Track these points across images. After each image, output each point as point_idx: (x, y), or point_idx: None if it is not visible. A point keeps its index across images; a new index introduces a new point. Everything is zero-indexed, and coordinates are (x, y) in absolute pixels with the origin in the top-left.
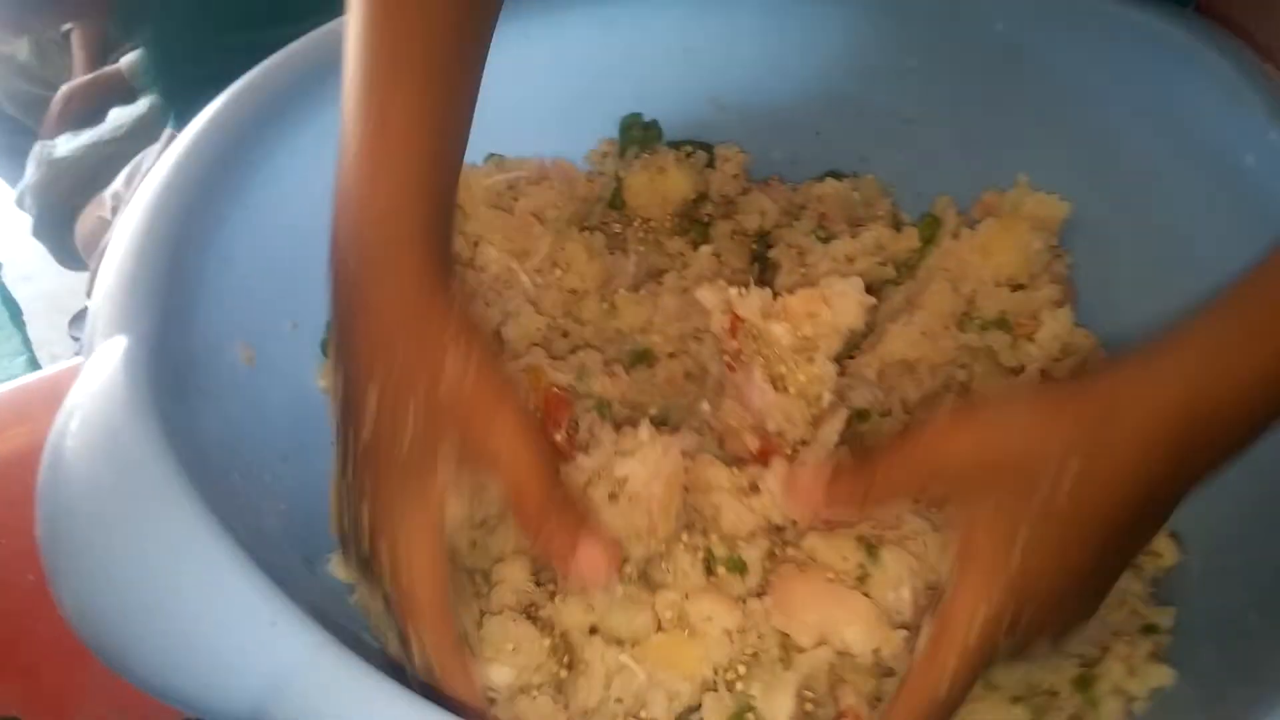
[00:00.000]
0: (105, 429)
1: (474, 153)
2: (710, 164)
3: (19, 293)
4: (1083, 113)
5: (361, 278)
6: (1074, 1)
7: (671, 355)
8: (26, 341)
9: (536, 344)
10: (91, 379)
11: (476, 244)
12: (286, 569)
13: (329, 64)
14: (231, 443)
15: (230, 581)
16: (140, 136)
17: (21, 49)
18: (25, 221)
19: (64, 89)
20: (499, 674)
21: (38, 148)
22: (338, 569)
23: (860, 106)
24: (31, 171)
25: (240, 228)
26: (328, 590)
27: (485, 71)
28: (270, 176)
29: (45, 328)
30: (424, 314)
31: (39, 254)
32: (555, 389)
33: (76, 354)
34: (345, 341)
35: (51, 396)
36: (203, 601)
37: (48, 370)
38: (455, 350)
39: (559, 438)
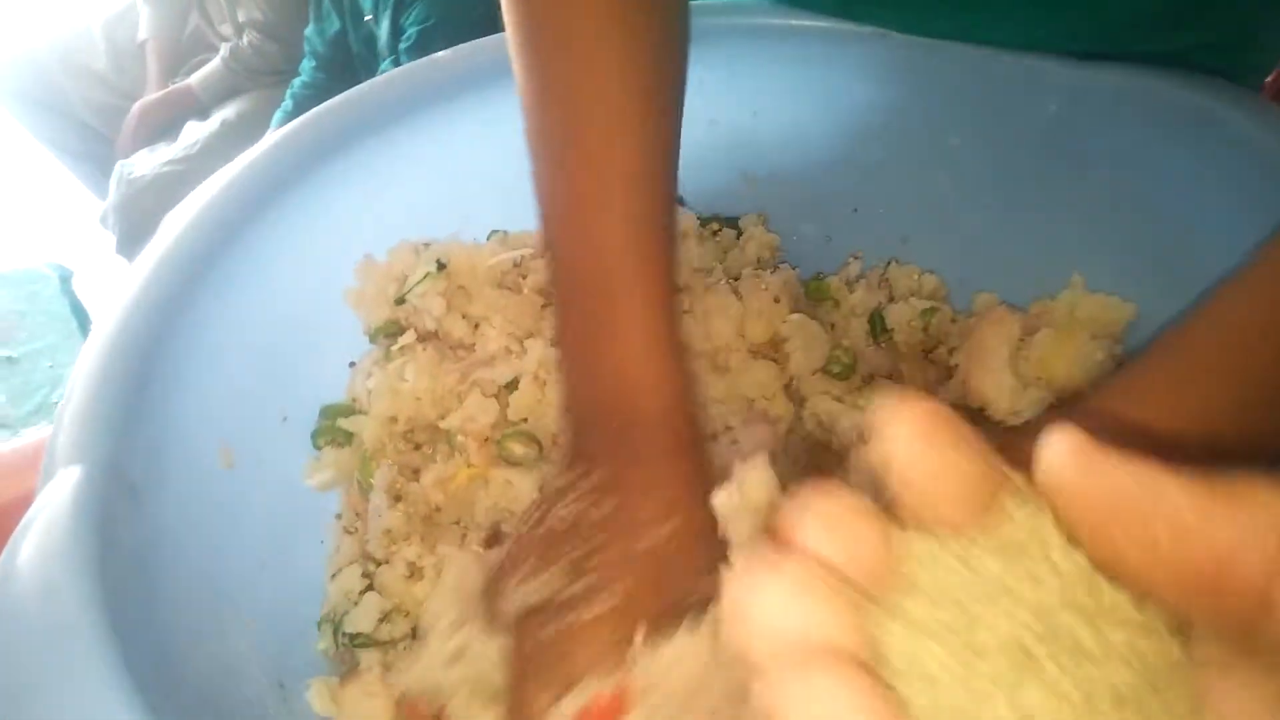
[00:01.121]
0: (41, 580)
1: (477, 230)
2: (738, 238)
3: (89, 299)
4: (1146, 202)
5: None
6: (1137, 86)
7: None
8: None
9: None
10: (40, 513)
11: (477, 326)
12: (252, 704)
13: (330, 143)
14: (198, 558)
15: None
16: (214, 152)
17: (99, 59)
18: (109, 240)
19: (137, 106)
20: None
21: (118, 169)
22: (316, 699)
23: (900, 184)
24: (113, 192)
25: (228, 322)
26: None
27: (490, 145)
28: (262, 265)
29: None
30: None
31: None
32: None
33: None
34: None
35: None
36: None
37: None
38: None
39: None
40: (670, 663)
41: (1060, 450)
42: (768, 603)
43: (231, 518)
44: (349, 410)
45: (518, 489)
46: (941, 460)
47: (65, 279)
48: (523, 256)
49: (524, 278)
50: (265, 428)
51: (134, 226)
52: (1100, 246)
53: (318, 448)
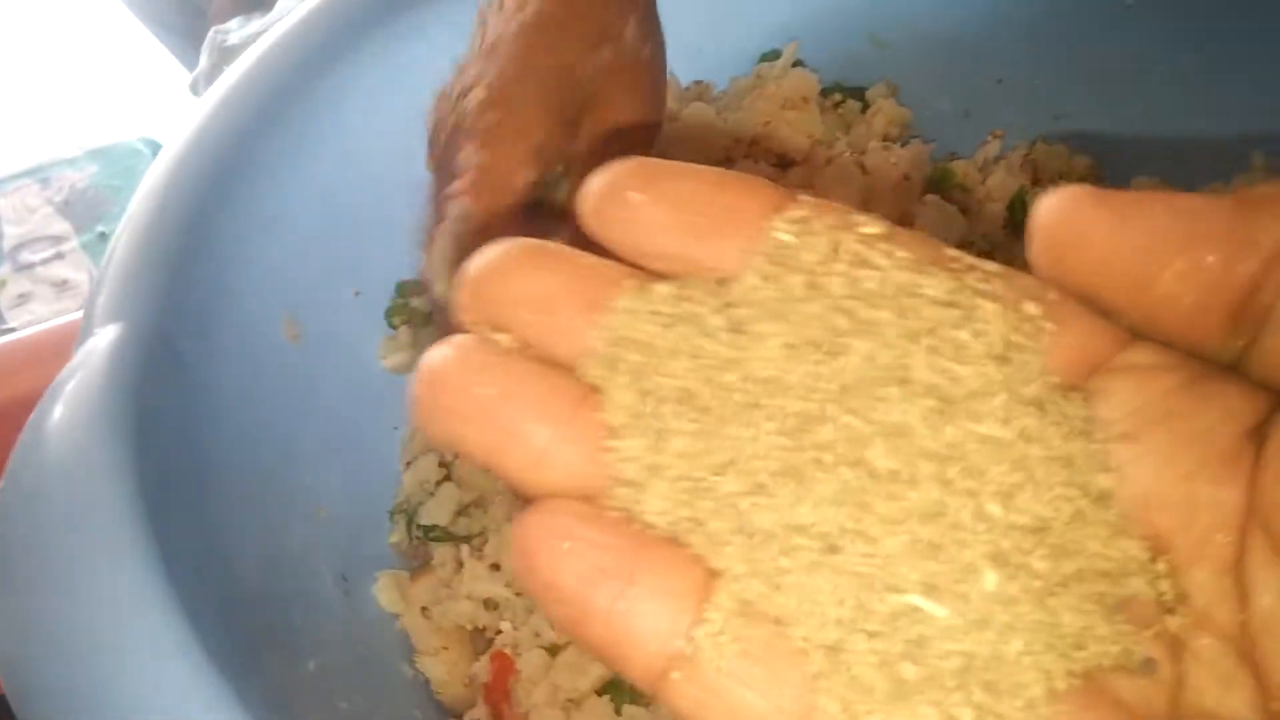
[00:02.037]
0: (68, 447)
1: None
2: (864, 111)
3: None
4: None
5: None
6: None
7: None
8: None
9: None
10: (73, 375)
11: None
12: (305, 598)
13: None
14: (260, 440)
15: (168, 676)
16: None
17: None
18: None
19: None
20: None
21: (211, 34)
22: (383, 594)
23: (1056, 50)
24: (205, 59)
25: (294, 182)
26: (366, 619)
27: None
28: (336, 119)
29: None
30: None
31: None
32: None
33: None
34: None
35: None
36: (134, 695)
37: None
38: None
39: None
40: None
41: (1064, 196)
42: (460, 397)
43: (297, 397)
44: (425, 287)
45: None
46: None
47: (159, 153)
48: None
49: None
50: (336, 301)
51: None
52: None
53: (392, 326)
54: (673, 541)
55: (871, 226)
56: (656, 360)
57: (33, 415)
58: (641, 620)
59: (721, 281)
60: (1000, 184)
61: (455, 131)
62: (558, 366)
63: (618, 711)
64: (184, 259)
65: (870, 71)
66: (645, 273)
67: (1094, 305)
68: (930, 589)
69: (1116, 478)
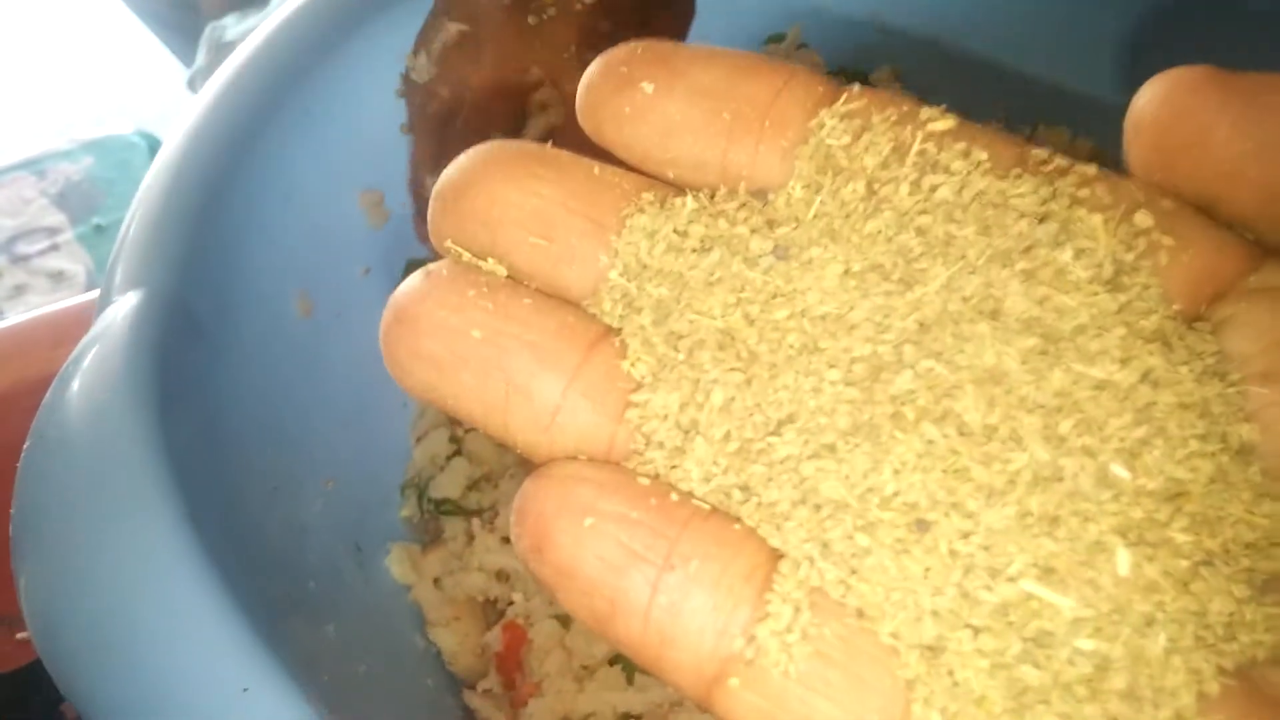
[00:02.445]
0: (93, 410)
1: None
2: None
3: None
4: None
5: None
6: None
7: None
8: None
9: None
10: (97, 341)
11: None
12: (321, 566)
13: None
14: (272, 410)
15: (201, 630)
16: None
17: None
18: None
19: None
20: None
21: (209, 31)
22: (395, 565)
23: (1056, 33)
24: (202, 56)
25: (308, 153)
26: (379, 589)
27: None
28: (346, 95)
29: None
30: None
31: None
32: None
33: None
34: None
35: None
36: (168, 649)
37: None
38: None
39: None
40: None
41: (1177, 80)
42: (433, 333)
43: (310, 372)
44: None
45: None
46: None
47: (154, 147)
48: None
49: None
50: (346, 278)
51: None
52: None
53: None
54: (720, 515)
55: (941, 121)
56: (687, 294)
57: (56, 379)
58: (687, 616)
59: (759, 193)
60: None
61: None
62: (561, 300)
63: (630, 680)
64: (200, 229)
65: (874, 57)
66: (662, 184)
67: (1216, 215)
68: (1048, 573)
69: (1259, 427)
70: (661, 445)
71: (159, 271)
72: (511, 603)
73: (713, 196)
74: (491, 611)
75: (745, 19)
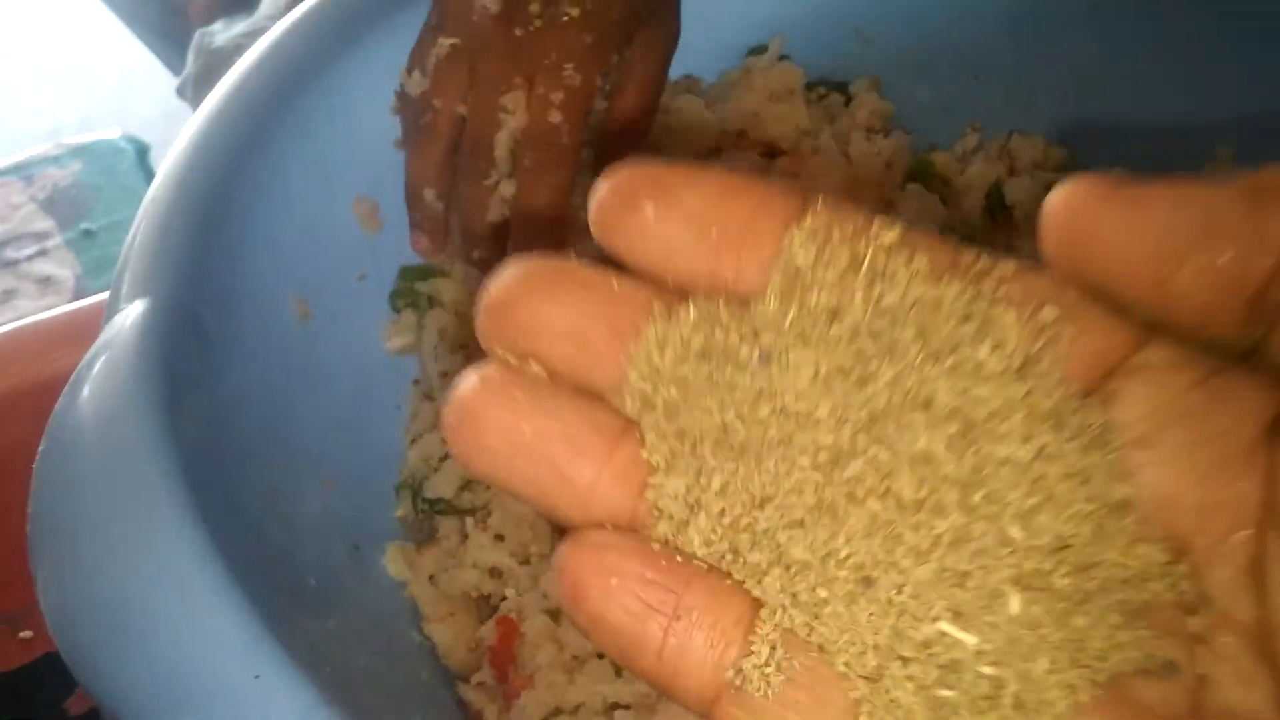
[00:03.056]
0: (105, 412)
1: None
2: (847, 105)
3: None
4: None
5: None
6: None
7: None
8: None
9: None
10: (106, 348)
11: None
12: (320, 562)
13: None
14: (272, 411)
15: (213, 620)
16: None
17: None
18: (185, 114)
19: None
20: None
21: (197, 37)
22: (391, 563)
23: (1031, 44)
24: (191, 62)
25: (305, 161)
26: (376, 586)
27: None
28: (342, 106)
29: None
30: None
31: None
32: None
33: None
34: None
35: None
36: (181, 639)
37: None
38: None
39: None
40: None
41: (1074, 189)
42: (495, 433)
43: (307, 374)
44: (428, 272)
45: None
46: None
47: (142, 152)
48: None
49: None
50: (341, 284)
51: None
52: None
53: (396, 310)
54: (715, 572)
55: (889, 234)
56: (692, 397)
57: (69, 385)
58: (691, 654)
59: (743, 302)
60: (978, 174)
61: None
62: (592, 397)
63: (618, 673)
64: (204, 238)
65: (854, 67)
66: (665, 291)
67: (1111, 301)
68: (958, 615)
69: (1134, 485)
70: (671, 518)
71: (165, 280)
72: (504, 598)
73: (709, 306)
74: (485, 607)
75: (728, 32)
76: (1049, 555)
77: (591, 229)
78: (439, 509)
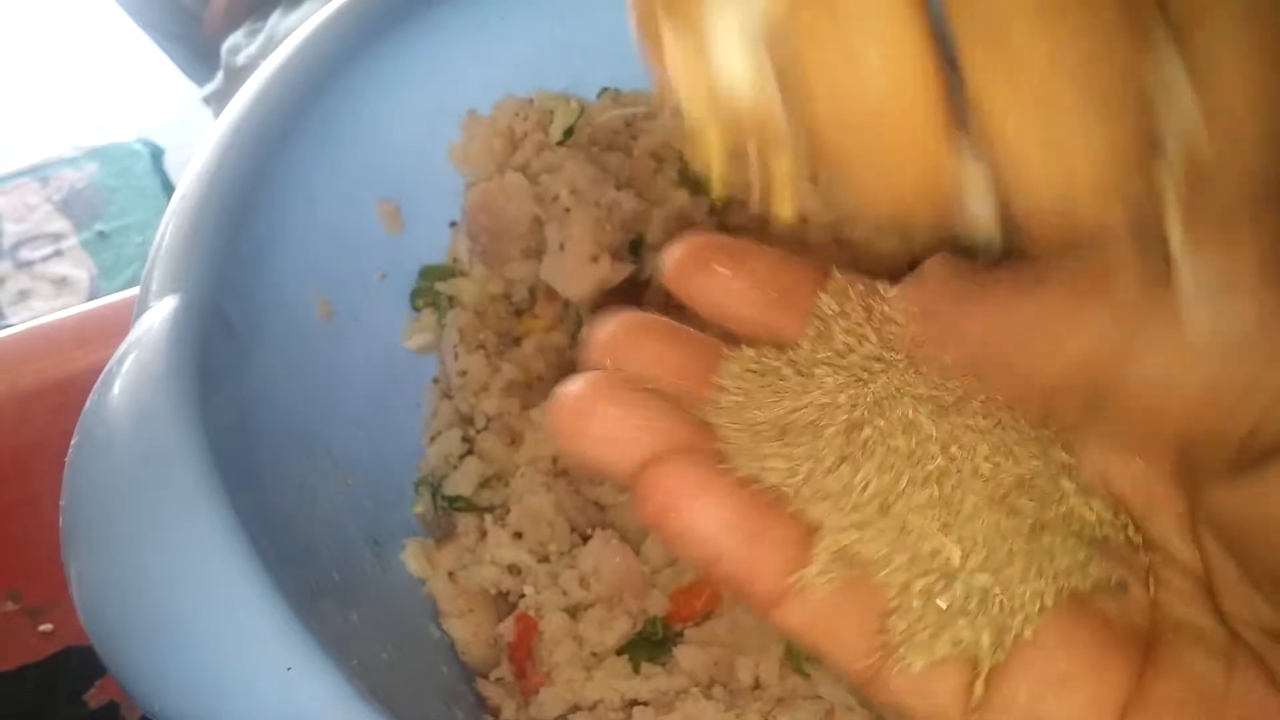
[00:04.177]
0: (137, 406)
1: (587, 88)
2: None
3: (179, 177)
4: None
5: None
6: None
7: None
8: None
9: None
10: (136, 345)
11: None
12: (343, 557)
13: None
14: (295, 409)
15: (246, 612)
16: None
17: None
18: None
19: None
20: None
21: (224, 55)
22: (411, 559)
23: None
24: (219, 79)
25: (329, 162)
26: (396, 582)
27: None
28: (366, 107)
29: None
30: None
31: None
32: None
33: None
34: None
35: None
36: (215, 631)
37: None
38: None
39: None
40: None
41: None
42: (602, 421)
43: (329, 373)
44: (449, 273)
45: None
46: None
47: (157, 155)
48: (635, 115)
49: (635, 139)
50: (363, 283)
51: None
52: None
53: (416, 309)
54: (782, 499)
55: (890, 291)
56: (753, 402)
57: (100, 381)
58: (763, 564)
59: (782, 347)
60: None
61: None
62: (675, 401)
63: (636, 669)
64: (231, 236)
65: None
66: (724, 336)
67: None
68: (947, 528)
69: (1075, 456)
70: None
71: (194, 277)
72: (523, 595)
73: (759, 350)
74: (503, 604)
75: None
76: (1014, 487)
77: (666, 282)
78: (458, 506)
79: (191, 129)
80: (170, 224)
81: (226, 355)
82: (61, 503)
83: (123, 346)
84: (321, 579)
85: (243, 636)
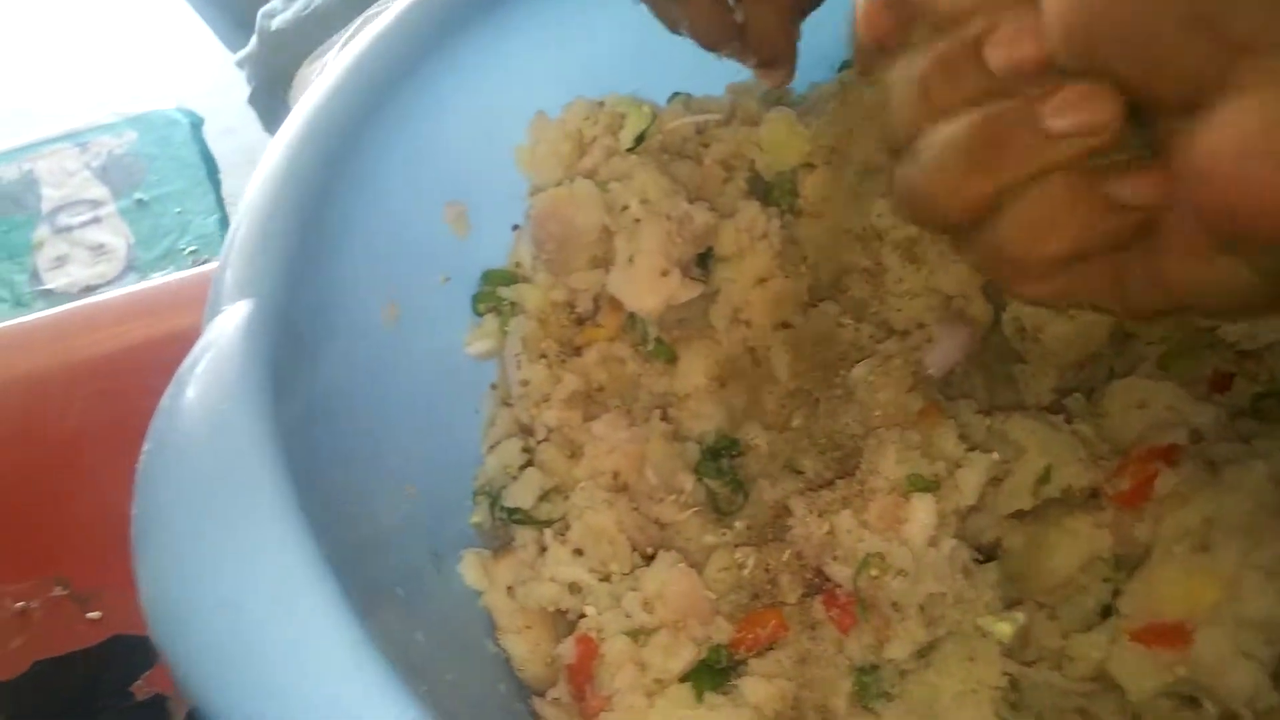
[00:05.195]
0: (212, 416)
1: (657, 92)
2: None
3: (219, 145)
4: None
5: None
6: None
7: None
8: (220, 201)
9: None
10: (210, 348)
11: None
12: (406, 572)
13: None
14: (359, 417)
15: (324, 640)
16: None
17: None
18: (238, 81)
19: None
20: None
21: (260, 18)
22: (469, 571)
23: None
24: (254, 43)
25: (400, 162)
26: (455, 595)
27: None
28: (435, 110)
29: (240, 181)
30: None
31: (243, 109)
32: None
33: None
34: None
35: None
36: (291, 657)
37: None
38: None
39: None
40: None
41: None
42: None
43: (392, 377)
44: (511, 278)
45: (686, 372)
46: None
47: (196, 125)
48: (707, 123)
49: (706, 146)
50: (427, 286)
51: (268, 81)
52: None
53: (478, 313)
54: None
55: None
56: None
57: (171, 384)
58: None
59: None
60: None
61: None
62: None
63: (699, 697)
64: (302, 239)
65: None
66: None
67: None
68: None
69: None
70: None
71: (267, 281)
72: (583, 615)
73: None
74: (561, 622)
75: (819, 44)
76: None
77: None
78: (517, 518)
79: (225, 95)
80: (242, 225)
81: (298, 362)
82: (133, 510)
83: (194, 351)
84: (388, 596)
85: (320, 664)
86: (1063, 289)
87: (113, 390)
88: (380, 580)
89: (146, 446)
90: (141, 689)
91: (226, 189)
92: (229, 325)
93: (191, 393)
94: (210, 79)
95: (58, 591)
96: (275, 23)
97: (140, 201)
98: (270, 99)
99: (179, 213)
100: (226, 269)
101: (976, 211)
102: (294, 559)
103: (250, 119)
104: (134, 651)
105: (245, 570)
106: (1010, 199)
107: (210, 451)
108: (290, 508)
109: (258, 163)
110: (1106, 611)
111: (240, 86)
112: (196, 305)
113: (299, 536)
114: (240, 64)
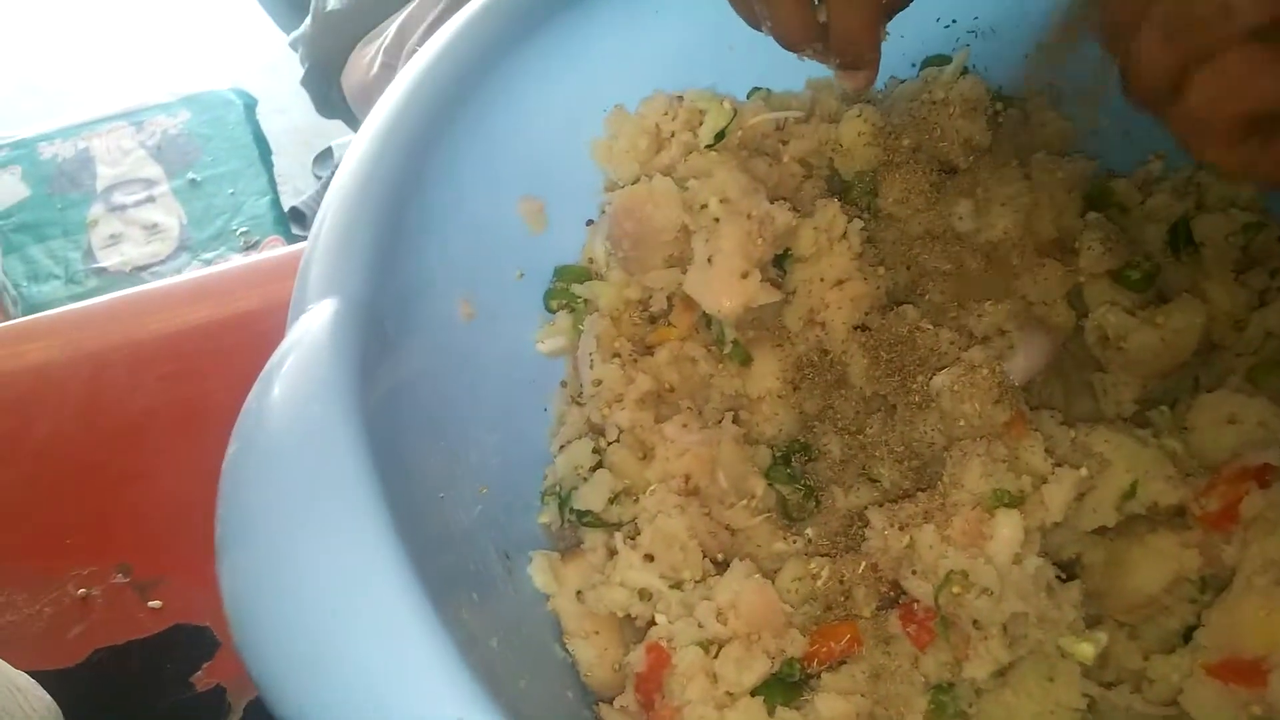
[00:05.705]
0: (300, 417)
1: (736, 86)
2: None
3: (271, 125)
4: None
5: None
6: None
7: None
8: (272, 182)
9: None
10: (296, 347)
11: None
12: (480, 575)
13: None
14: (437, 415)
15: (414, 651)
16: None
17: None
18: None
19: None
20: None
21: (315, 1)
22: (537, 573)
23: None
24: (307, 24)
25: (476, 162)
26: (524, 598)
27: None
28: (512, 105)
29: (291, 161)
30: None
31: (296, 88)
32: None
33: (318, 190)
34: None
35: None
36: (380, 668)
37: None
38: None
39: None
40: None
41: None
42: None
43: (467, 375)
44: (584, 274)
45: (758, 374)
46: None
47: (250, 106)
48: (786, 119)
49: (785, 143)
50: (502, 282)
51: (320, 62)
52: None
53: (550, 310)
54: None
55: None
56: None
57: (258, 381)
58: None
59: None
60: (1162, 205)
61: None
62: None
63: (771, 713)
64: (385, 238)
65: (1032, 81)
66: None
67: None
68: None
69: None
70: None
71: (352, 280)
72: (653, 622)
73: None
74: (630, 628)
75: (900, 40)
76: None
77: None
78: (586, 521)
79: (278, 75)
80: (325, 223)
81: (382, 362)
82: (218, 505)
83: (281, 349)
84: (466, 603)
85: (410, 676)
86: (1246, 159)
87: (178, 373)
88: (458, 586)
89: (232, 448)
90: (202, 680)
91: (278, 169)
92: (314, 324)
93: (278, 393)
94: (263, 59)
95: (118, 579)
96: (330, 4)
97: (193, 181)
98: (323, 81)
99: (231, 194)
100: (311, 267)
101: (1171, 78)
102: (390, 582)
103: (302, 99)
104: (194, 642)
105: (340, 588)
106: (1197, 67)
107: (300, 458)
108: (384, 524)
109: (309, 144)
110: (1189, 633)
111: (293, 67)
112: (259, 290)
113: (395, 555)
114: (293, 45)
